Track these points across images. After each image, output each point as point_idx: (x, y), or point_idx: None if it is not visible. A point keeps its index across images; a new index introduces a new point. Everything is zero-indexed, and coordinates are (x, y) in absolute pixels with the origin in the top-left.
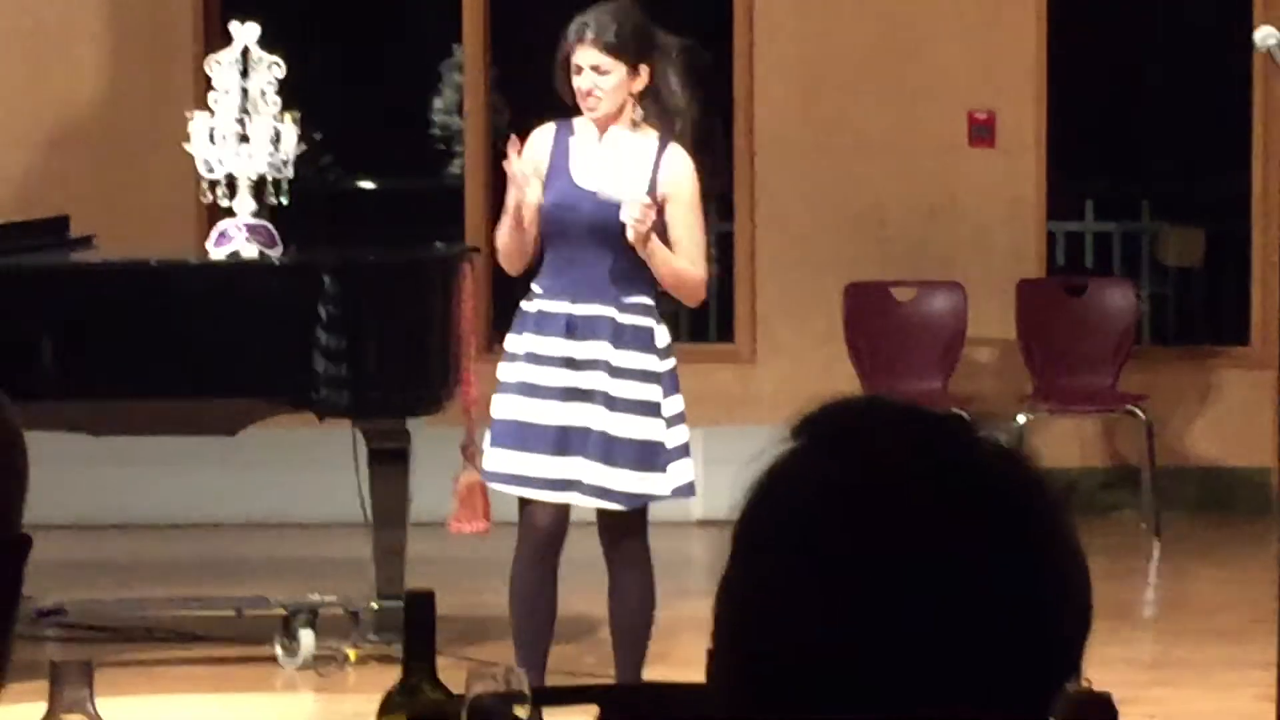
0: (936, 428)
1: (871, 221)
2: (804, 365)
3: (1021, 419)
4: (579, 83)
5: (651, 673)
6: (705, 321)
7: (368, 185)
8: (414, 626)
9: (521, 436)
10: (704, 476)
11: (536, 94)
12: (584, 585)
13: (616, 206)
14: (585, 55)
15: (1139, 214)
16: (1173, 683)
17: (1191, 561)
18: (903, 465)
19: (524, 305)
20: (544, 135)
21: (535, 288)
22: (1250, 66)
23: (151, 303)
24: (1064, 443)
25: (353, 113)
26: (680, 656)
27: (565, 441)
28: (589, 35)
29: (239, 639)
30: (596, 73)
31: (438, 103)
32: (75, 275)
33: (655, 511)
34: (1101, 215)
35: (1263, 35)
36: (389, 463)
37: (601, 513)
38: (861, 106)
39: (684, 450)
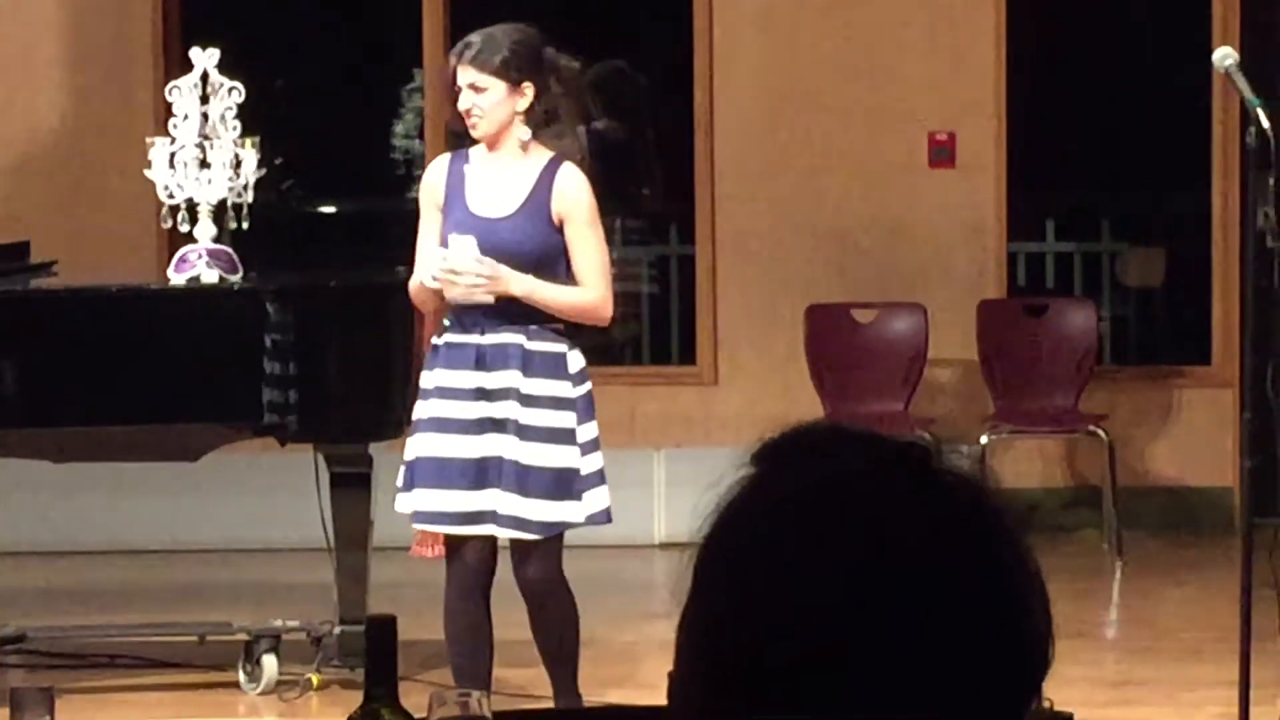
0: (894, 453)
1: (832, 243)
2: (765, 387)
3: (984, 440)
4: (460, 102)
5: (615, 695)
6: (667, 343)
7: (329, 209)
8: (376, 651)
9: (439, 473)
10: (666, 498)
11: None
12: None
13: (516, 231)
14: (464, 74)
15: (1099, 234)
16: (1135, 702)
17: (1153, 581)
18: (865, 485)
19: (435, 340)
20: (439, 167)
21: (445, 320)
22: (1209, 86)
23: (112, 329)
24: (1026, 463)
25: (313, 136)
26: (643, 679)
27: (482, 473)
28: (467, 54)
29: (202, 665)
30: (474, 91)
31: (398, 126)
32: (36, 302)
33: (616, 534)
34: (1062, 236)
35: (1220, 56)
36: (351, 487)
37: (515, 542)
38: (822, 127)
39: (599, 477)
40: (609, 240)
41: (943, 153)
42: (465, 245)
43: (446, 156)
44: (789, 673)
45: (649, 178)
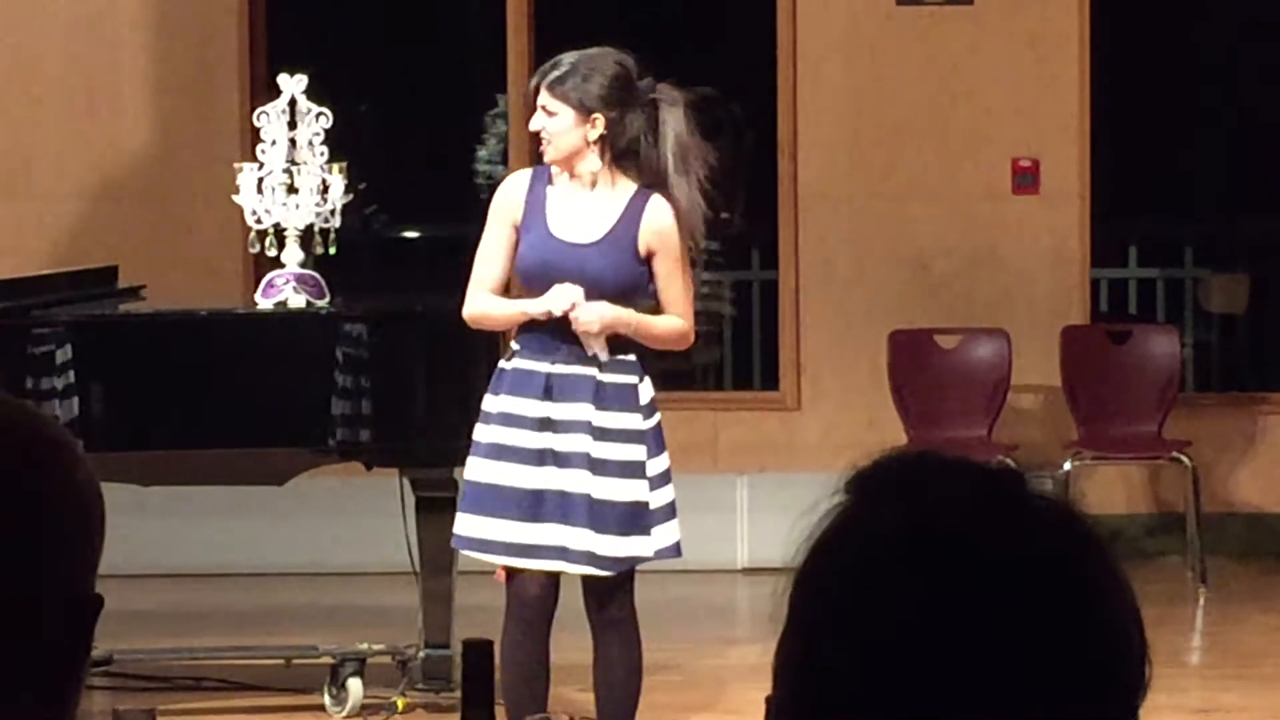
0: (987, 481)
1: (916, 268)
2: (848, 412)
3: (1067, 466)
4: (531, 123)
5: (697, 719)
6: (749, 369)
7: (413, 234)
8: (472, 675)
9: (489, 501)
10: (749, 523)
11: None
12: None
13: (601, 259)
14: (540, 96)
15: (1182, 261)
16: None
17: (1237, 608)
18: (955, 517)
19: (502, 364)
20: (519, 181)
21: (514, 344)
22: None
23: (200, 353)
24: (1109, 489)
25: (398, 161)
26: (727, 704)
27: (538, 506)
28: (547, 76)
29: (287, 688)
30: (545, 114)
31: (482, 152)
32: (125, 326)
33: (700, 559)
34: (1145, 262)
35: None
36: (436, 511)
37: (588, 578)
38: (905, 154)
39: (669, 511)
40: (690, 263)
41: (1026, 179)
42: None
43: (528, 172)
44: (888, 703)
45: (735, 201)
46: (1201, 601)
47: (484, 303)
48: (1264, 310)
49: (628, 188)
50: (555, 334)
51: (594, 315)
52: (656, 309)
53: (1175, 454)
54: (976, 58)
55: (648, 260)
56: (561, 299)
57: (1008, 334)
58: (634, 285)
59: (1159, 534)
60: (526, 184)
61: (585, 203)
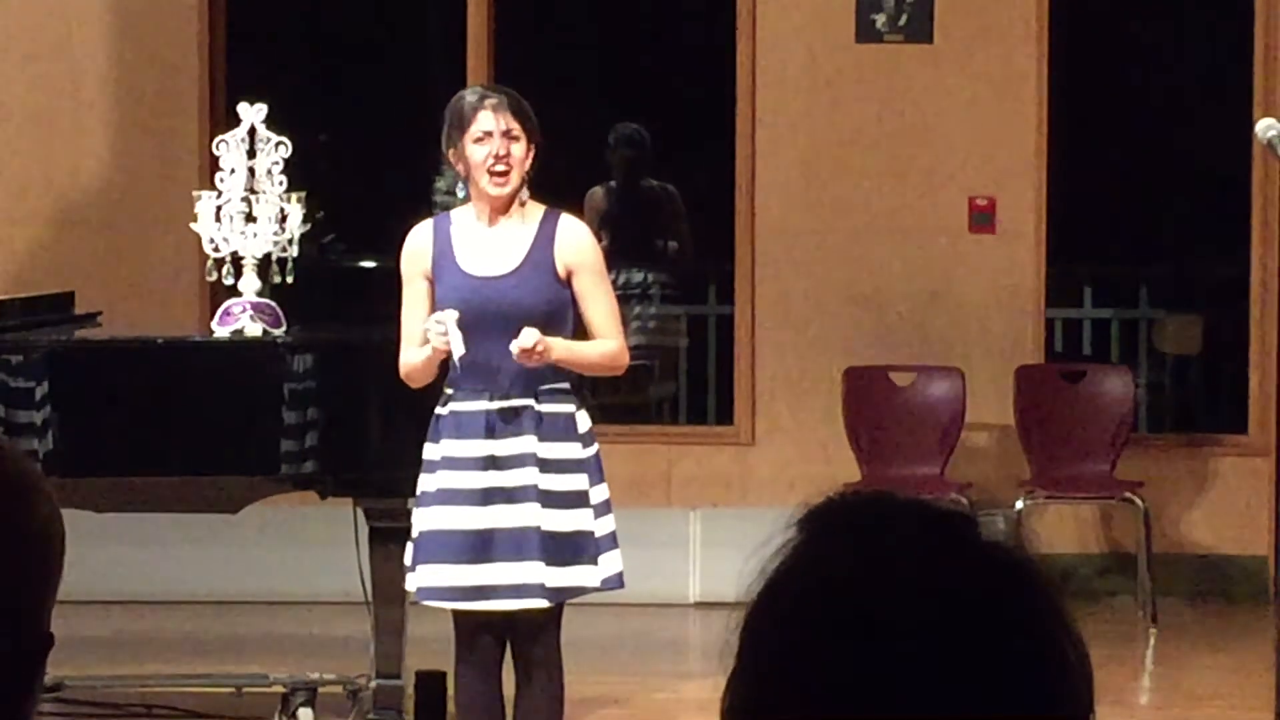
0: (939, 523)
1: (871, 305)
2: (802, 448)
3: (1019, 505)
4: (490, 149)
5: None
6: (704, 403)
7: (370, 264)
8: (424, 707)
9: (440, 547)
10: (701, 558)
11: (534, 174)
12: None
13: (522, 287)
14: (500, 120)
15: (1137, 301)
16: None
17: (1188, 649)
18: (906, 560)
19: (438, 410)
20: (422, 233)
21: (447, 389)
22: (1249, 155)
23: (155, 380)
24: (1061, 528)
25: (355, 191)
26: None
27: (486, 546)
28: (502, 100)
29: (238, 717)
30: (508, 138)
31: (440, 183)
32: (80, 352)
33: (651, 593)
34: (1099, 302)
35: (1264, 127)
36: (389, 541)
37: (520, 611)
38: (862, 190)
39: (612, 540)
40: (645, 297)
41: (983, 218)
42: (449, 317)
43: (429, 222)
44: None
45: (675, 232)
46: (1152, 641)
47: (405, 356)
48: (1218, 352)
49: (535, 212)
50: (487, 373)
51: (530, 340)
52: (583, 335)
53: (1127, 494)
54: (934, 96)
55: (568, 281)
56: (435, 328)
57: (962, 372)
58: (559, 309)
59: (1110, 574)
60: (430, 233)
61: (494, 235)
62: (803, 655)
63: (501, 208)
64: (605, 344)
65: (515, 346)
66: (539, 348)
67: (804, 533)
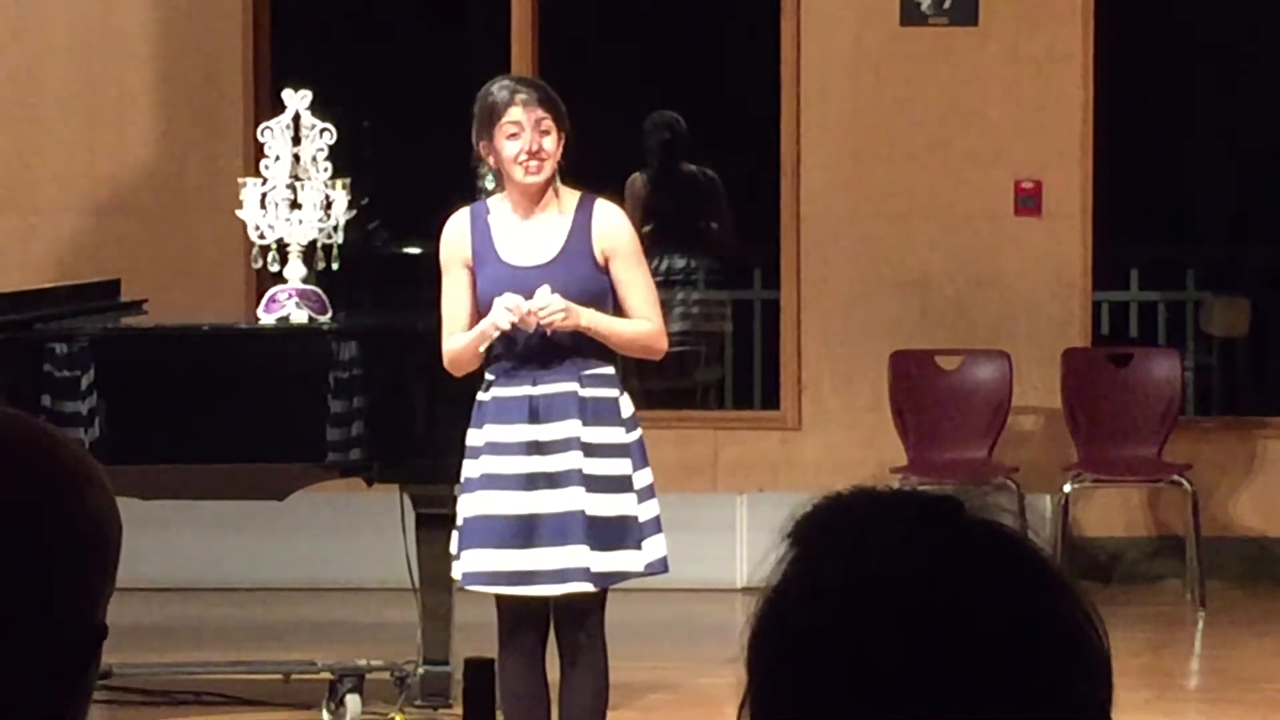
0: (924, 517)
1: (918, 289)
2: (849, 433)
3: (1067, 488)
4: (522, 143)
5: None
6: (750, 388)
7: (415, 250)
8: (474, 693)
9: (486, 532)
10: (749, 544)
11: (576, 162)
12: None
13: (563, 276)
14: (530, 112)
15: (1184, 284)
16: None
17: (1236, 631)
18: (894, 564)
19: (480, 396)
20: (460, 221)
21: (489, 375)
22: None
23: (201, 368)
24: (1108, 512)
25: (400, 178)
26: None
27: (531, 531)
28: (531, 94)
29: (286, 703)
30: (539, 131)
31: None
32: (126, 340)
33: (698, 578)
34: (1146, 285)
35: None
36: (436, 527)
37: (564, 595)
38: (908, 174)
39: (656, 525)
40: (688, 283)
41: (1029, 201)
42: (510, 298)
43: (465, 211)
44: None
45: (717, 216)
46: (1200, 625)
47: (450, 343)
48: (1265, 334)
49: (570, 199)
50: (529, 358)
51: (555, 300)
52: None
53: (1175, 477)
54: (980, 78)
55: (606, 267)
56: (503, 310)
57: (1009, 355)
58: (599, 295)
59: (1158, 557)
60: (467, 222)
61: (531, 225)
62: (805, 670)
63: (536, 196)
64: (641, 323)
65: (525, 306)
66: (558, 309)
67: (793, 545)
